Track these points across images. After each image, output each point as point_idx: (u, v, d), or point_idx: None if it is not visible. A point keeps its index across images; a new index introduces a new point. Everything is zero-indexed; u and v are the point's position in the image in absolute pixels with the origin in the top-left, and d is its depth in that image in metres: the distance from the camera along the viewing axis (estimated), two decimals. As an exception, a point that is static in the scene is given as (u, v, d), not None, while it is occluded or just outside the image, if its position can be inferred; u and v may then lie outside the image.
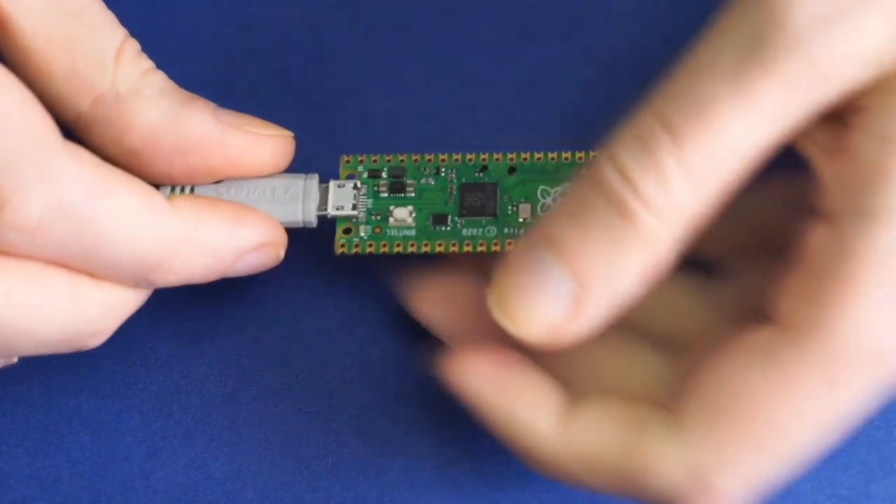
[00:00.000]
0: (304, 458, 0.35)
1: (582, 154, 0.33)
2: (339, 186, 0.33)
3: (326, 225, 0.33)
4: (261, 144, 0.32)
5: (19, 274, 0.28)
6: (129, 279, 0.29)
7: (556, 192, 0.33)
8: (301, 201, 0.32)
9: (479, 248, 0.32)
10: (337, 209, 0.33)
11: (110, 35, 0.31)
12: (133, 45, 0.31)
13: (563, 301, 0.28)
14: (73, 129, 0.31)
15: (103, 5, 0.31)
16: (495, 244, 0.32)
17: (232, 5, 0.38)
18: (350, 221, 0.33)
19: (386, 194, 0.33)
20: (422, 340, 0.34)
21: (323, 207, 0.33)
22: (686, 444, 0.28)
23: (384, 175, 0.33)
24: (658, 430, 0.28)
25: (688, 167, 0.26)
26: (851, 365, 0.27)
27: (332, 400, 0.35)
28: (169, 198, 0.30)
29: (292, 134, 0.33)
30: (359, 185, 0.33)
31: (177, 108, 0.31)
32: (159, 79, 0.31)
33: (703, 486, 0.28)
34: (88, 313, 0.30)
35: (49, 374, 0.35)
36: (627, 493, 0.29)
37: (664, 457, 0.28)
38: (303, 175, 0.33)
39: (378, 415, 0.35)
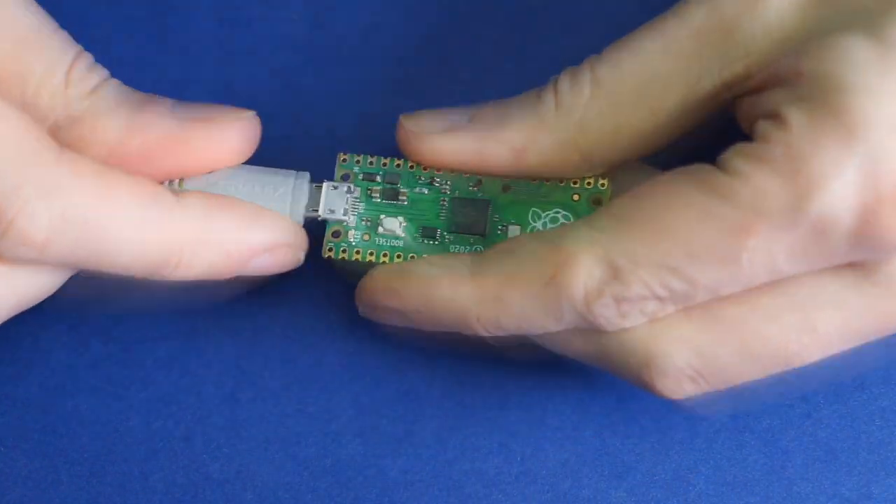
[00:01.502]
0: (303, 458, 0.35)
1: (577, 181, 0.33)
2: (332, 188, 0.33)
3: (316, 225, 0.33)
4: (224, 131, 0.32)
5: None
6: (139, 275, 0.30)
7: (546, 215, 0.33)
8: (290, 201, 0.32)
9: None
10: (329, 212, 0.33)
11: (59, 58, 0.31)
12: (84, 62, 0.31)
13: (450, 122, 0.32)
14: None
15: (53, 25, 0.31)
16: None
17: (232, 5, 0.38)
18: (340, 225, 0.33)
19: (378, 199, 0.33)
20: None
21: (313, 208, 0.33)
22: (603, 233, 0.29)
23: (378, 179, 0.33)
24: (577, 227, 0.30)
25: (597, 77, 0.31)
26: (775, 222, 0.28)
27: (332, 400, 0.35)
28: (180, 192, 0.30)
29: (253, 113, 0.33)
30: (352, 188, 0.33)
31: (133, 113, 0.31)
32: (112, 88, 0.31)
33: (615, 274, 0.29)
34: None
35: (47, 374, 0.35)
36: (549, 300, 0.30)
37: (580, 246, 0.29)
38: (294, 172, 0.33)
39: (378, 415, 0.35)
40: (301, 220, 0.32)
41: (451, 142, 0.32)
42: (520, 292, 0.30)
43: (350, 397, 0.35)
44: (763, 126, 0.29)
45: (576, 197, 0.33)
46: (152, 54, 0.38)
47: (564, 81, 0.32)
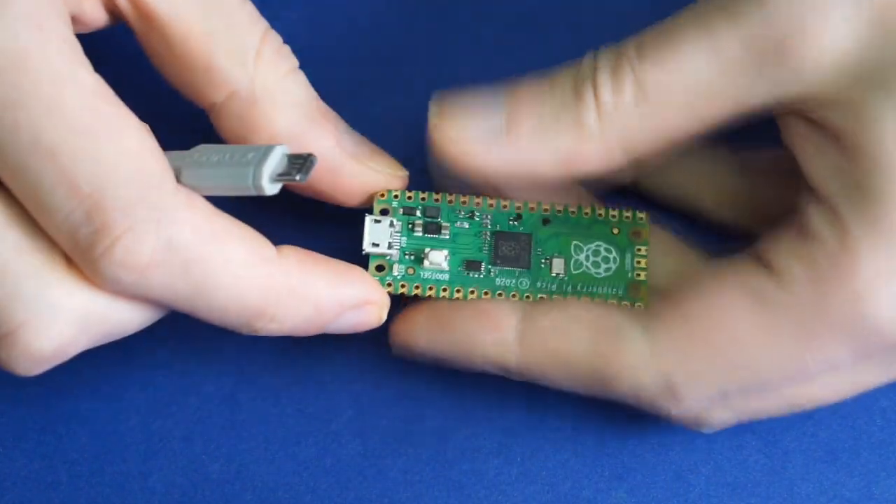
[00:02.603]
0: (303, 458, 0.34)
1: (615, 212, 0.33)
2: (375, 222, 0.32)
3: (359, 259, 0.33)
4: (372, 179, 0.32)
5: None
6: (232, 324, 0.29)
7: (588, 248, 0.33)
8: (259, 164, 0.29)
9: (512, 299, 0.32)
10: (373, 246, 0.32)
11: (250, 29, 0.30)
12: (274, 41, 0.31)
13: (487, 130, 0.31)
14: (207, 113, 0.31)
15: None
16: (527, 297, 0.32)
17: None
18: (384, 259, 0.33)
19: (420, 233, 0.33)
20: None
21: (277, 174, 0.30)
22: (662, 351, 0.29)
23: (418, 213, 0.33)
24: (634, 335, 0.30)
25: (641, 81, 0.29)
26: (836, 327, 0.28)
27: (332, 400, 0.35)
28: (277, 249, 0.30)
29: (406, 173, 0.33)
30: (395, 222, 0.33)
31: (305, 123, 0.31)
32: (297, 85, 0.31)
33: (670, 392, 0.29)
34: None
35: (47, 374, 0.35)
36: (594, 389, 0.31)
37: (638, 361, 0.30)
38: (272, 145, 0.30)
39: (378, 415, 0.35)
40: (268, 181, 0.29)
41: (493, 157, 0.31)
42: (569, 372, 0.31)
43: (350, 397, 0.35)
44: (815, 219, 0.28)
45: (615, 231, 0.33)
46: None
47: (604, 83, 0.30)
